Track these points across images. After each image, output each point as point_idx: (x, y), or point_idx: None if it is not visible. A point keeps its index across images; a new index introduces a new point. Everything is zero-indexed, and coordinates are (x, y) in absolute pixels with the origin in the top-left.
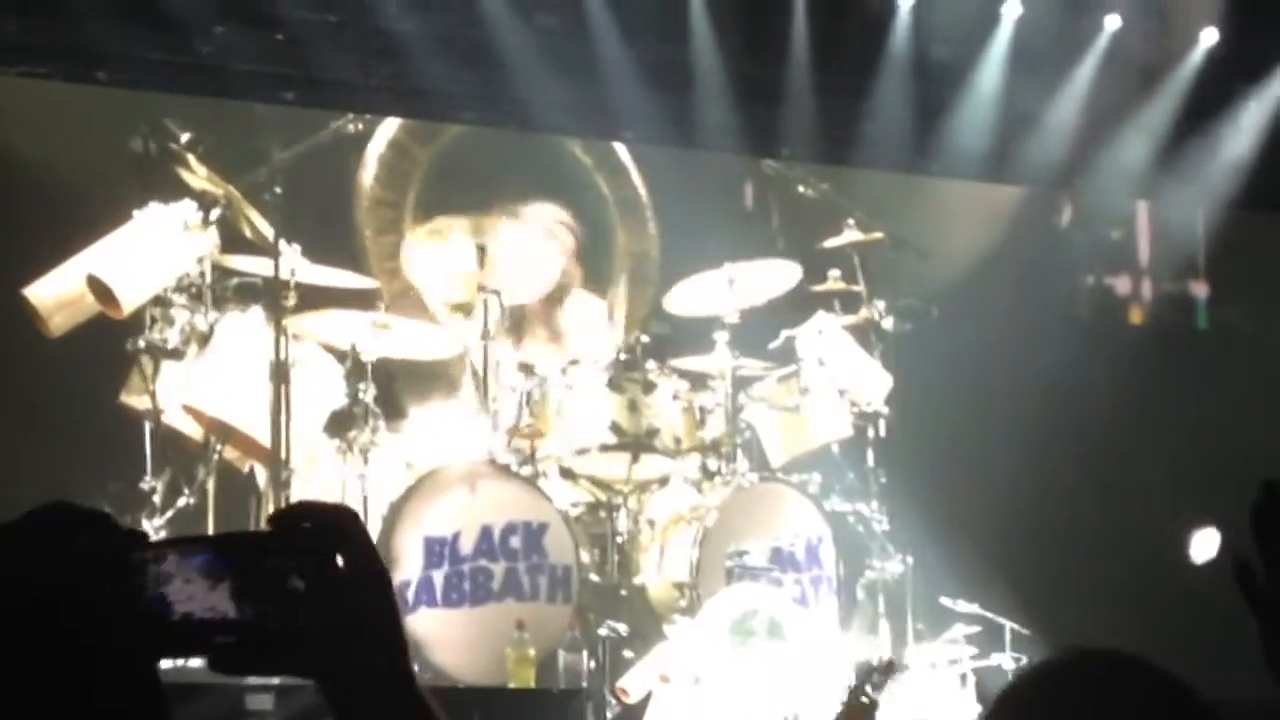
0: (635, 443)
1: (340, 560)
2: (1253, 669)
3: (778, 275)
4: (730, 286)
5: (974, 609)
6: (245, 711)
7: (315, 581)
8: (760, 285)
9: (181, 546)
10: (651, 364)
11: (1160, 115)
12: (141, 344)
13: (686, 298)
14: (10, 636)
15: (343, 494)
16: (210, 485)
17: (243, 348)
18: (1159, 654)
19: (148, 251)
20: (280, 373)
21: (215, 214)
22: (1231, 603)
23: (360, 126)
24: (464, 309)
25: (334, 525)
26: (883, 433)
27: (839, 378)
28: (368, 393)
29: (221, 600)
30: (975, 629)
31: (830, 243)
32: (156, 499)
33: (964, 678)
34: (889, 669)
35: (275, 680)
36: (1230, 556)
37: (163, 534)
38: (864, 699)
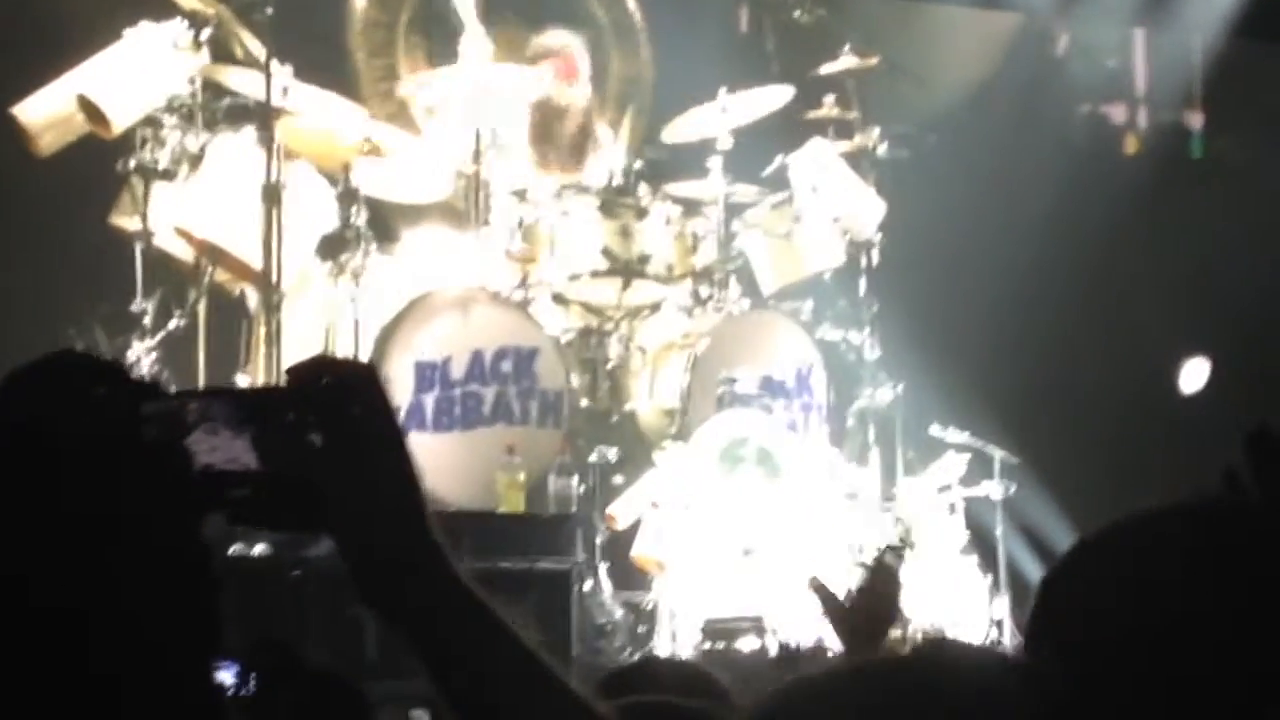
0: (627, 268)
1: (361, 413)
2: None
3: (770, 97)
4: (723, 114)
5: (964, 438)
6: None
7: (333, 437)
8: (753, 108)
9: (201, 398)
10: (644, 190)
11: None
12: (132, 164)
13: (682, 128)
14: (26, 488)
15: (334, 317)
16: (201, 307)
17: (234, 169)
18: (1142, 480)
19: (138, 70)
20: (272, 195)
21: (206, 33)
22: (1219, 433)
23: None
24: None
25: (351, 382)
26: (875, 261)
27: (832, 205)
28: (360, 216)
29: (243, 450)
30: (965, 457)
31: (825, 69)
32: (147, 320)
33: (953, 506)
34: (899, 551)
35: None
36: (1222, 395)
37: (153, 355)
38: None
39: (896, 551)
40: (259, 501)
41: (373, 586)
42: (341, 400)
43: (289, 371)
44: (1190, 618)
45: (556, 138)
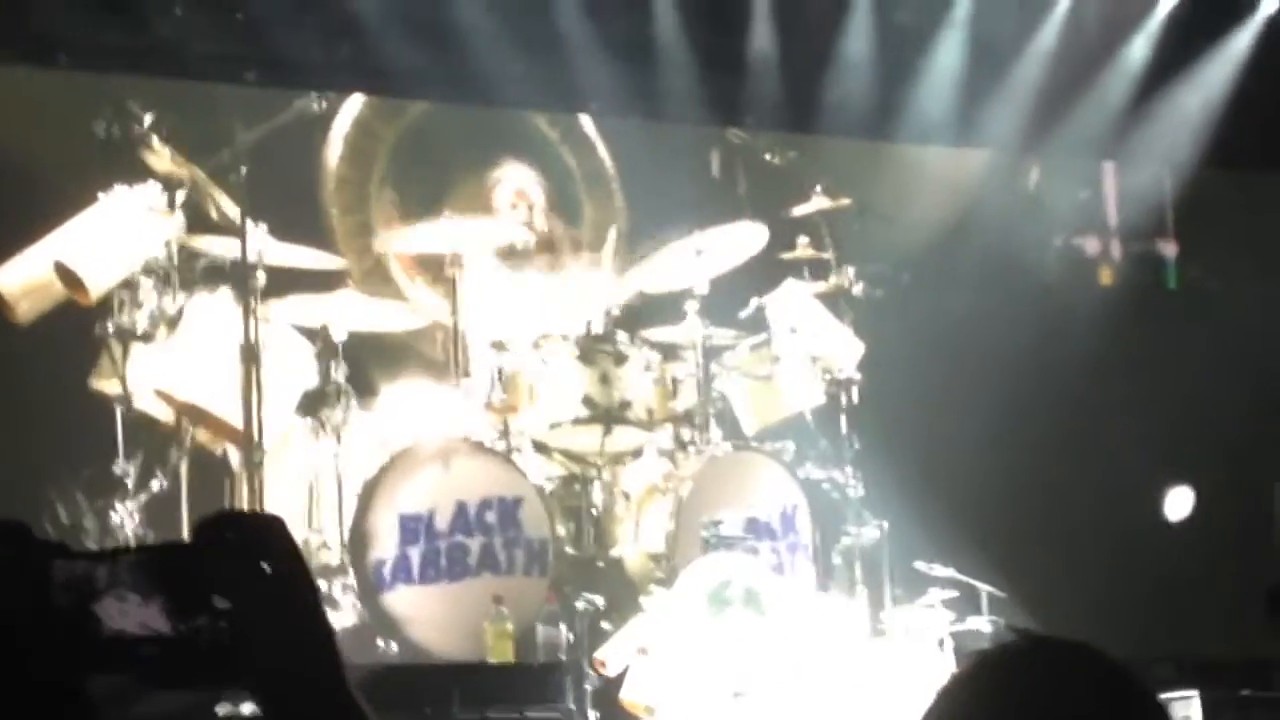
0: (608, 415)
1: (266, 569)
2: (1221, 625)
3: (744, 239)
4: (698, 257)
5: (950, 573)
6: None
7: (241, 594)
8: (727, 251)
9: (109, 557)
10: (622, 336)
11: (1124, 75)
12: (110, 328)
13: (655, 274)
14: None
15: (316, 474)
16: (183, 468)
17: (212, 330)
18: (1134, 611)
19: (114, 236)
20: (250, 354)
21: (181, 196)
22: (1203, 561)
23: (324, 105)
24: (439, 284)
25: (257, 535)
26: (855, 399)
27: (810, 345)
28: (340, 371)
29: (154, 617)
30: (952, 593)
31: (798, 210)
32: (129, 482)
33: (941, 642)
34: None
35: None
36: (1207, 522)
37: (137, 517)
38: None
39: None
40: (170, 661)
41: None
42: (249, 556)
43: (195, 529)
44: None
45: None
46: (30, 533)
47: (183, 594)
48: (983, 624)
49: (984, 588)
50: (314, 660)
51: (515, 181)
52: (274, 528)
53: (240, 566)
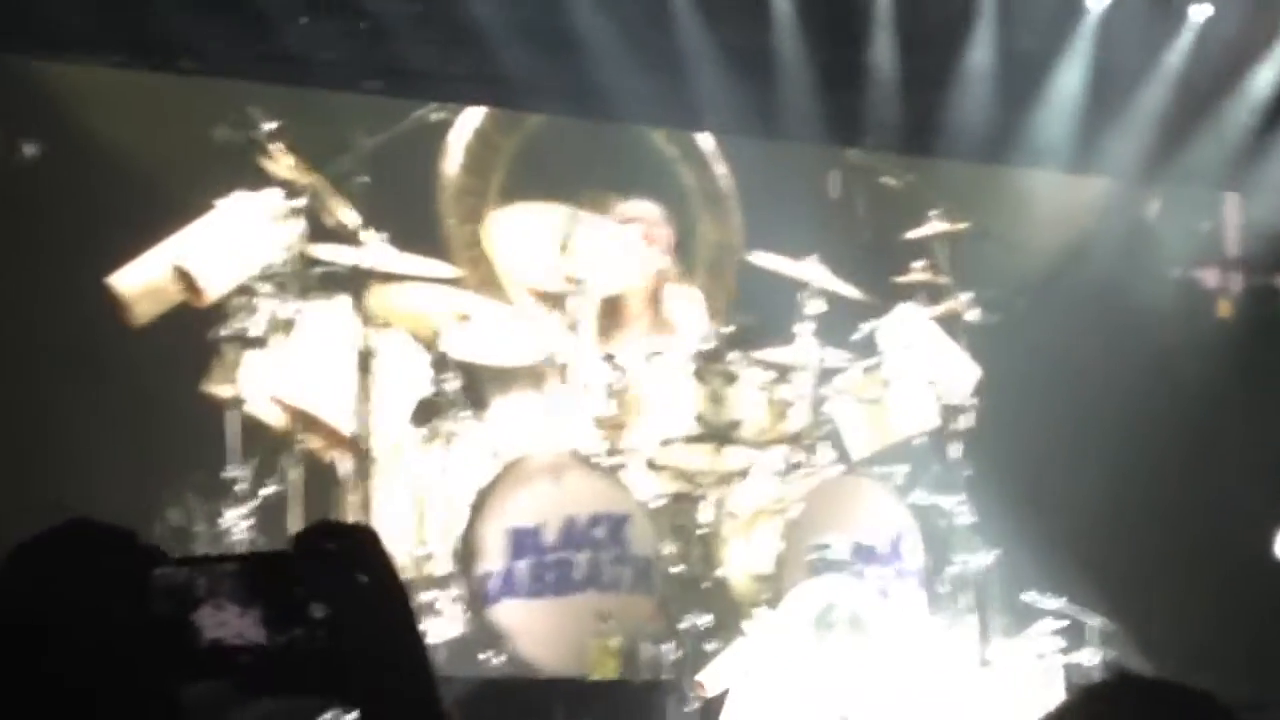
0: (718, 434)
1: (363, 580)
2: None
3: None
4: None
5: (1059, 604)
6: None
7: (338, 605)
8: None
9: (208, 565)
10: (735, 355)
11: (1249, 106)
12: (225, 333)
13: (773, 260)
14: (30, 656)
15: (426, 484)
16: (294, 474)
17: (327, 337)
18: (1245, 648)
19: (232, 241)
20: (365, 362)
21: (300, 203)
22: None
23: (444, 115)
24: (549, 299)
25: (355, 546)
26: (969, 425)
27: (924, 369)
28: (453, 382)
29: (251, 627)
30: (1061, 624)
31: (915, 233)
32: (240, 488)
33: (1049, 673)
34: None
35: None
36: None
37: (248, 523)
38: None
39: None
40: (265, 670)
41: None
42: (347, 567)
43: (295, 539)
44: None
45: (628, 312)
46: (135, 540)
47: (280, 604)
48: (1091, 656)
49: (1094, 619)
50: (408, 671)
51: (644, 221)
52: (371, 540)
53: (338, 577)
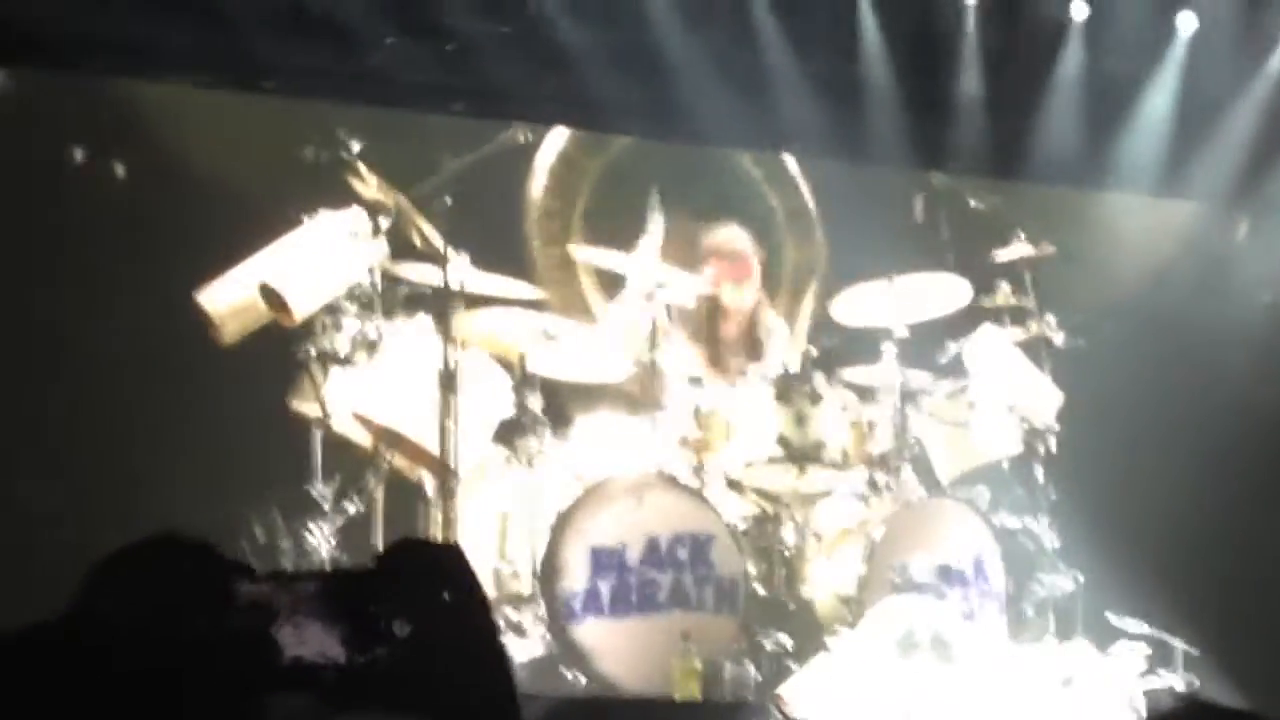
0: (802, 455)
1: (447, 598)
2: None
3: (947, 292)
4: (898, 301)
5: (1142, 628)
6: None
7: (421, 623)
8: (929, 301)
9: (291, 582)
10: (819, 376)
11: None
12: (312, 351)
13: (853, 305)
14: (109, 668)
15: (510, 503)
16: (378, 492)
17: (411, 356)
18: None
19: (319, 259)
20: (448, 382)
21: (385, 223)
22: None
23: (529, 137)
24: (636, 324)
25: (439, 564)
26: (1053, 449)
27: (1008, 393)
28: (535, 402)
29: (332, 645)
30: (1145, 648)
31: (1000, 256)
32: (325, 505)
33: (1132, 698)
34: None
35: None
36: None
37: (332, 540)
38: None
39: None
40: (346, 688)
41: None
42: (431, 584)
43: (379, 555)
44: None
45: (724, 338)
46: (214, 552)
47: (362, 623)
48: (1176, 681)
49: (1178, 644)
50: (490, 689)
51: (733, 250)
52: (456, 556)
53: (422, 594)
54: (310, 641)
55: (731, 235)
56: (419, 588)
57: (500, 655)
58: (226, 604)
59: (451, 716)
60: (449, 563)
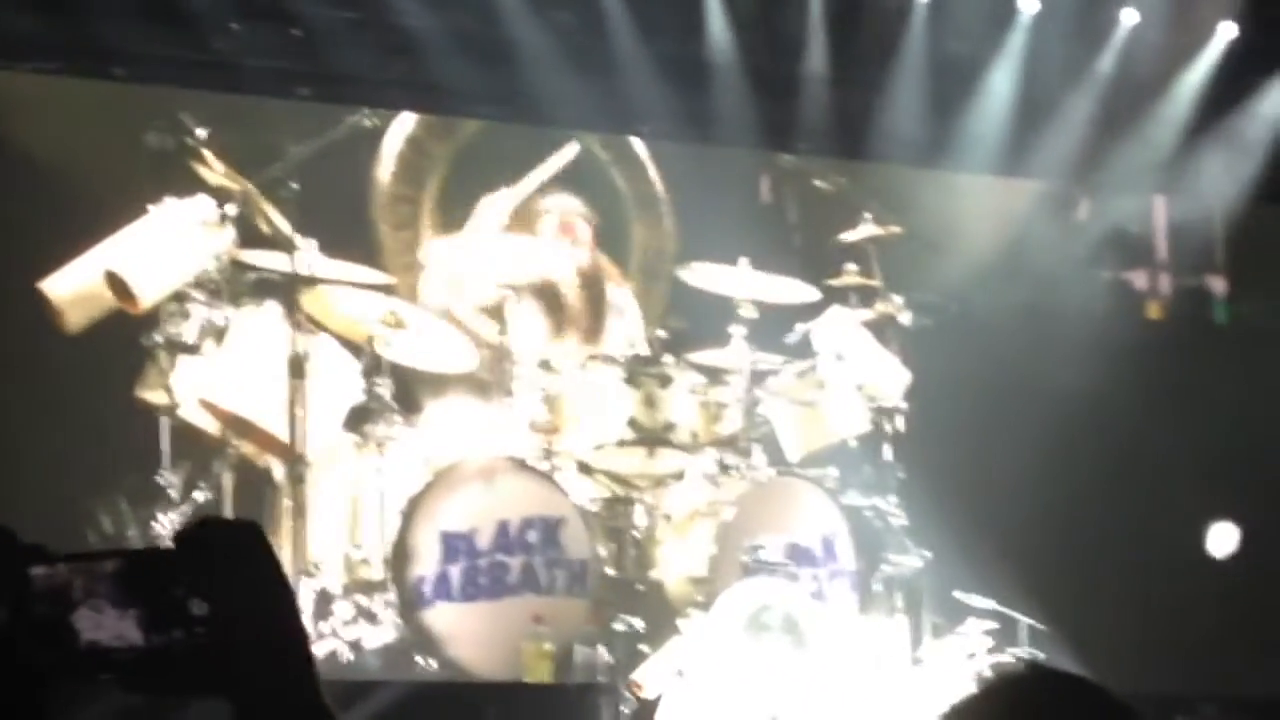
0: (652, 438)
1: (245, 575)
2: (1265, 665)
3: (794, 290)
4: (743, 284)
5: (990, 604)
6: None
7: (218, 601)
8: (776, 293)
9: (86, 565)
10: (668, 359)
11: (1177, 109)
12: (158, 339)
13: (702, 272)
14: None
15: (360, 489)
16: (227, 480)
17: (259, 343)
18: (1177, 649)
19: (165, 247)
20: (297, 368)
21: (232, 210)
22: (1248, 599)
23: (376, 122)
24: (485, 310)
25: (237, 542)
26: (901, 428)
27: (856, 372)
28: (385, 388)
29: (129, 629)
30: (992, 625)
31: (846, 236)
32: (173, 493)
33: (979, 674)
34: None
35: None
36: (1252, 560)
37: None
38: None
39: None
40: (144, 670)
41: None
42: (229, 561)
43: (176, 535)
44: None
45: (566, 306)
46: (13, 538)
47: (159, 604)
48: (1022, 656)
49: (1024, 620)
50: (289, 666)
51: (562, 212)
52: (253, 534)
53: (219, 572)
54: (107, 625)
55: (561, 201)
56: (217, 566)
57: (299, 633)
58: (21, 589)
59: (251, 695)
60: (247, 540)
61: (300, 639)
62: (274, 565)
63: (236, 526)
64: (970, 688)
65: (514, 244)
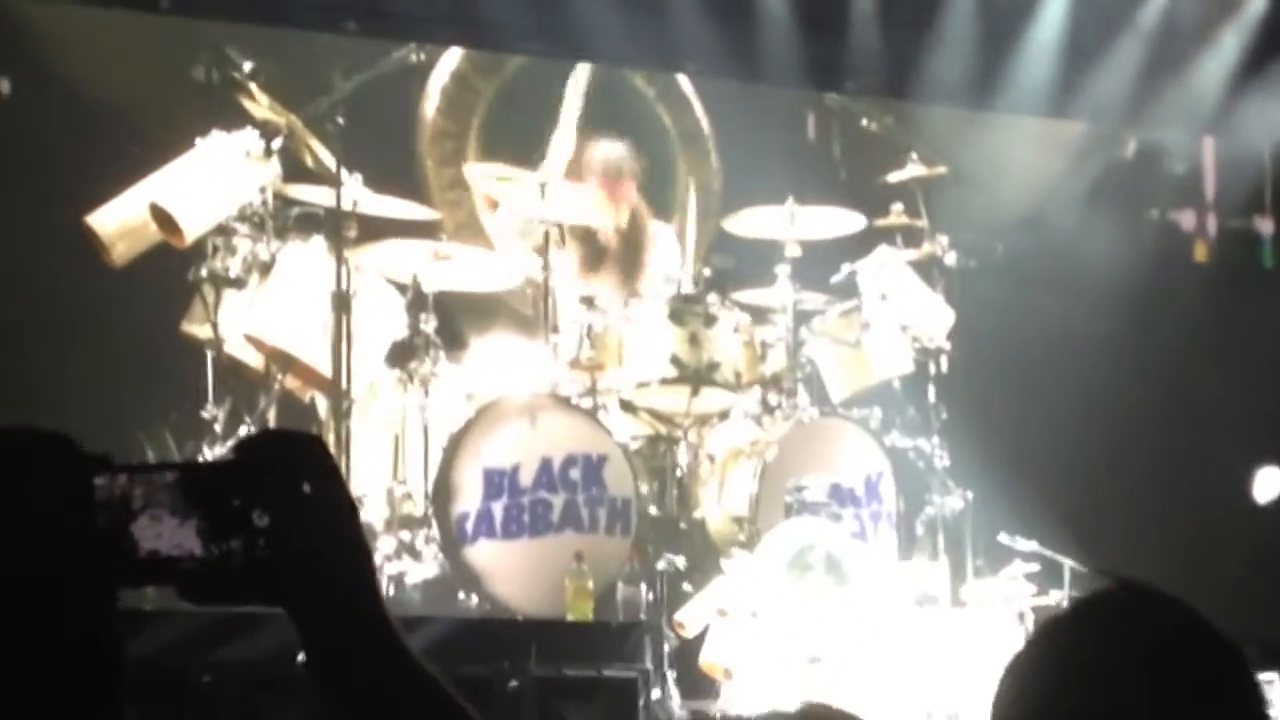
0: (696, 376)
1: (307, 488)
2: None
3: (840, 220)
4: (791, 221)
5: (1033, 546)
6: None
7: (279, 513)
8: (822, 226)
9: (148, 475)
10: (713, 297)
11: (1228, 49)
12: (203, 273)
13: (749, 221)
14: None
15: (403, 424)
16: (271, 414)
17: (304, 277)
18: (1218, 593)
19: (211, 180)
20: (341, 303)
21: (277, 143)
22: None
23: (422, 57)
24: (528, 237)
25: (298, 454)
26: (944, 369)
27: (901, 313)
28: (429, 323)
29: (188, 538)
30: (1034, 566)
31: (893, 177)
32: (218, 427)
33: (1021, 615)
34: None
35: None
36: None
37: None
38: None
39: None
40: (208, 579)
41: (325, 666)
42: (290, 474)
43: (237, 446)
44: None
45: (607, 247)
46: (73, 444)
47: (219, 513)
48: (1064, 598)
49: (1067, 562)
50: (350, 578)
51: (606, 165)
52: (315, 447)
53: (280, 484)
54: (166, 534)
55: (608, 149)
56: (278, 478)
57: (360, 545)
58: (83, 498)
59: (311, 606)
60: (309, 453)
61: (361, 551)
62: (336, 478)
63: (298, 438)
64: (1059, 609)
65: (562, 190)
